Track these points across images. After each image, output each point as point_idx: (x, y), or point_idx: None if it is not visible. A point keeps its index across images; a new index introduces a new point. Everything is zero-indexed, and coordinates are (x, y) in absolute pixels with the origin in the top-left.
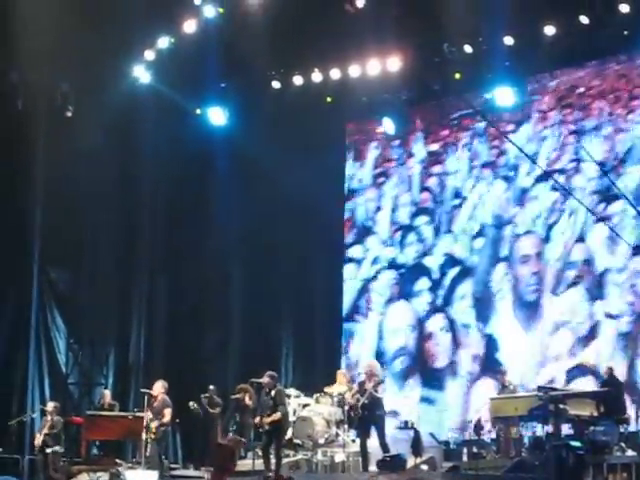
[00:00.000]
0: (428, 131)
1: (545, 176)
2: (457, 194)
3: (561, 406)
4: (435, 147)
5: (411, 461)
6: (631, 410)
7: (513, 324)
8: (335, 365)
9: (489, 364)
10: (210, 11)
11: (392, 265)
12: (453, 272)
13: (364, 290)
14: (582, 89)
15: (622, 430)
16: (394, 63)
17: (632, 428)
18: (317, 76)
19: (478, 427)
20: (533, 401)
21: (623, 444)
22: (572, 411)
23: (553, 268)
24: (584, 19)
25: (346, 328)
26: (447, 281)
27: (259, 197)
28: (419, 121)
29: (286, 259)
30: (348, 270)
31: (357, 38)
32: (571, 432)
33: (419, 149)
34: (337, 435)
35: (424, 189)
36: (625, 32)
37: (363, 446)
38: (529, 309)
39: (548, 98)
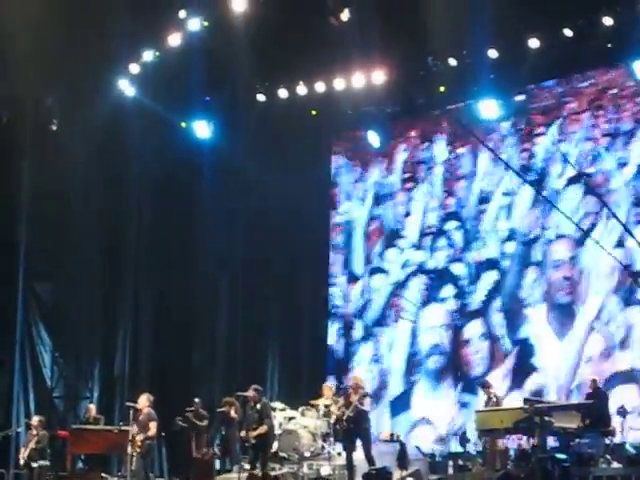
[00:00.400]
0: (455, 134)
1: (577, 178)
2: (486, 198)
3: (546, 418)
4: (462, 150)
5: (397, 474)
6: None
7: (546, 330)
8: (321, 379)
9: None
10: (195, 24)
11: (422, 270)
12: (485, 277)
13: (393, 295)
14: (615, 90)
15: (607, 442)
16: (379, 76)
17: (617, 440)
18: (302, 89)
19: (464, 439)
20: (518, 413)
21: (608, 456)
22: (557, 423)
23: (587, 273)
24: (568, 32)
25: (375, 332)
26: (479, 287)
27: (245, 210)
28: (445, 124)
29: (273, 272)
30: (377, 280)
31: (342, 51)
32: (557, 444)
33: (445, 153)
34: (323, 448)
35: (450, 193)
36: (608, 45)
37: (349, 459)
38: (562, 314)
39: (579, 99)
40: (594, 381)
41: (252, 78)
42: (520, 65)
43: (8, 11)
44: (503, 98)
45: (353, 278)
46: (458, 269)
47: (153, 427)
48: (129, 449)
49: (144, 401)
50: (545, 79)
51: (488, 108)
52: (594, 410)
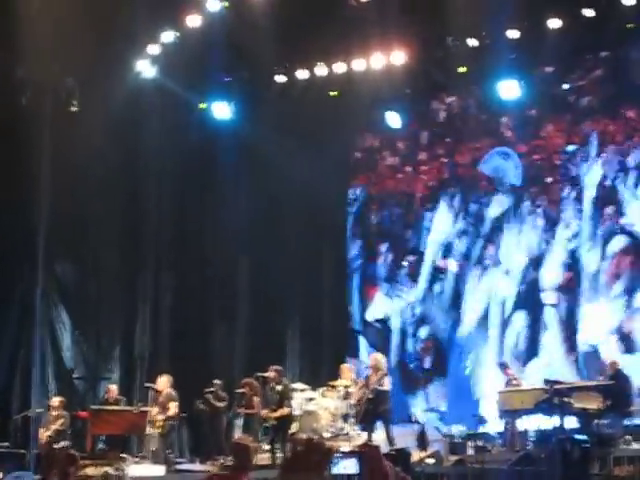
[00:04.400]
0: None
1: None
2: None
3: (566, 399)
4: None
5: (416, 455)
6: None
7: None
8: (341, 359)
9: None
10: (214, 5)
11: None
12: None
13: None
14: None
15: (628, 423)
16: (398, 57)
17: (638, 421)
18: (321, 70)
19: (484, 420)
20: (539, 394)
21: (629, 437)
22: (578, 404)
23: None
24: (588, 12)
25: None
26: None
27: (264, 190)
28: None
29: (292, 252)
30: None
31: (361, 32)
32: (577, 425)
33: None
34: (342, 429)
35: None
36: (629, 25)
37: (369, 440)
38: None
39: None
40: (613, 363)
41: (271, 59)
42: (541, 45)
43: None
44: (524, 78)
45: None
46: None
47: (173, 407)
48: (148, 430)
49: (164, 382)
50: (566, 59)
51: (509, 89)
52: (615, 391)
